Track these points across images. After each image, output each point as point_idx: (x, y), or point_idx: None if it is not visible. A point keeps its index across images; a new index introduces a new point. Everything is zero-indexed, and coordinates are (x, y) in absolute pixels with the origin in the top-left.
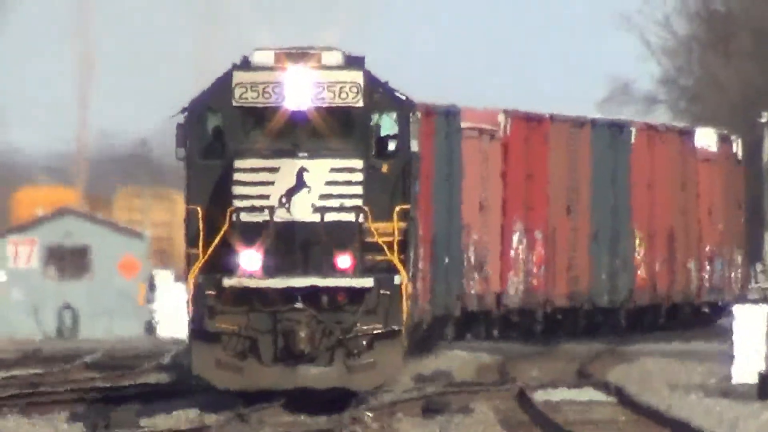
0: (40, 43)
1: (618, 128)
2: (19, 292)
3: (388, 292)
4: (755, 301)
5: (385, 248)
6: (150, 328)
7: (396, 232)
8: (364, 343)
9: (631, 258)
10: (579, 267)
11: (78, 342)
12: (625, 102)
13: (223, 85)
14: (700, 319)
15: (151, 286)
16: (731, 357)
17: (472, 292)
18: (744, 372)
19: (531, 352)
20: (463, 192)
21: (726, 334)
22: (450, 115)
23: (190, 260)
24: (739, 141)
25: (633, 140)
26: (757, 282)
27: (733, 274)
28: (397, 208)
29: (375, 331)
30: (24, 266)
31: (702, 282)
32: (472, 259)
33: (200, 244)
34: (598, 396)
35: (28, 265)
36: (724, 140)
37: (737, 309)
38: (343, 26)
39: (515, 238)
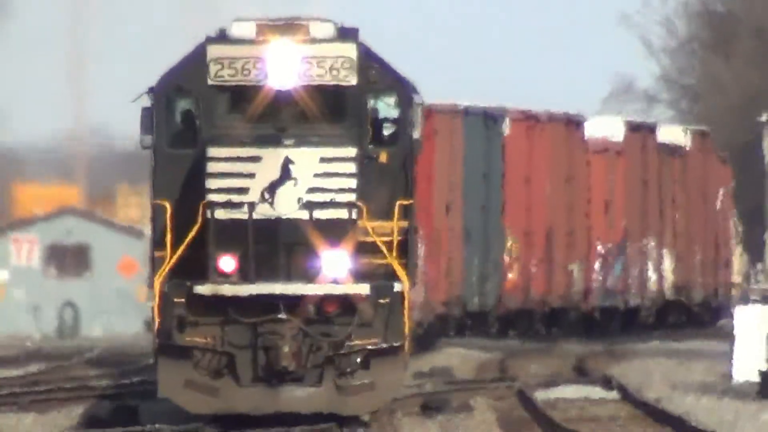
0: (36, 38)
1: (492, 118)
2: (20, 290)
3: (387, 302)
4: (756, 301)
5: (384, 250)
6: (150, 326)
7: (396, 232)
8: (359, 360)
9: (500, 259)
10: (455, 270)
11: (79, 340)
12: (627, 100)
13: (196, 61)
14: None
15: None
16: (731, 356)
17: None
18: (744, 371)
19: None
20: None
21: (724, 334)
22: None
23: (155, 264)
24: (687, 131)
25: (507, 131)
26: (758, 282)
27: (654, 276)
28: (398, 204)
29: (371, 347)
30: (25, 264)
31: (590, 285)
32: None
33: (168, 244)
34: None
35: (29, 263)
36: (638, 129)
37: (738, 309)
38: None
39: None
